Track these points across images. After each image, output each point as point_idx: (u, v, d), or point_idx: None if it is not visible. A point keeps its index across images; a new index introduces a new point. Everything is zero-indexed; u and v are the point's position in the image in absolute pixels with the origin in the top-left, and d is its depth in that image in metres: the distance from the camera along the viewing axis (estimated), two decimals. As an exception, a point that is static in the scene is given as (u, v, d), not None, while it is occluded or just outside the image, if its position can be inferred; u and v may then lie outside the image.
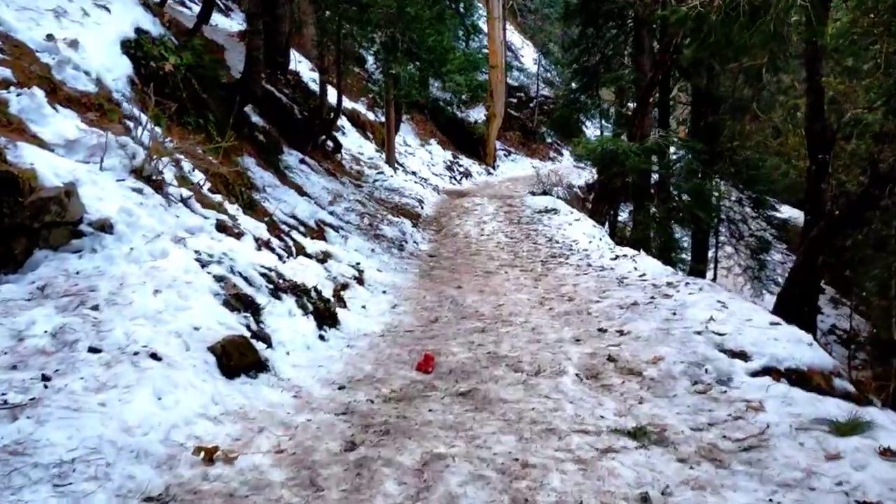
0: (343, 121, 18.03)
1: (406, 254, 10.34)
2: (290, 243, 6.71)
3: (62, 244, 4.13)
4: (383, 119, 18.80)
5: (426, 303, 6.90)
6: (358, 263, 8.00)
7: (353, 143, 17.46)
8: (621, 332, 5.46)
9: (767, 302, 21.22)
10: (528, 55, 37.83)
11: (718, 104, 18.88)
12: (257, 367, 4.07)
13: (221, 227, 5.43)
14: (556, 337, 5.45)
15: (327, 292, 5.76)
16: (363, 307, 6.37)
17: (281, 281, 5.09)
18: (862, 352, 20.92)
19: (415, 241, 11.36)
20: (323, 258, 6.96)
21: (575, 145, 20.42)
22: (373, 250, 9.10)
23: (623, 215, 21.26)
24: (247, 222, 6.15)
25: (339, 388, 4.24)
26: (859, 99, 13.54)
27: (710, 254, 19.88)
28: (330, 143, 15.76)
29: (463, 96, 29.27)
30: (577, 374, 4.52)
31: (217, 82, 8.45)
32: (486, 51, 28.26)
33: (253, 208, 6.98)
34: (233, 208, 6.34)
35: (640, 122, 17.39)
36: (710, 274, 18.46)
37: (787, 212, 22.47)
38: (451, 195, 19.29)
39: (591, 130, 31.22)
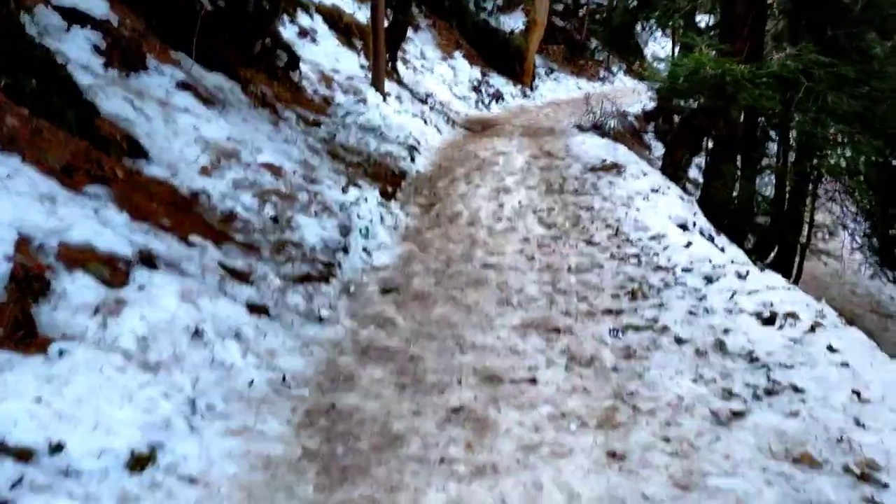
0: (315, 22, 11.95)
1: (326, 298, 4.64)
2: None
3: None
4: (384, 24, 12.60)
5: None
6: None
7: (326, 54, 11.42)
8: None
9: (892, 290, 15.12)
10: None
11: (841, 13, 12.32)
12: None
13: None
14: None
15: None
16: None
17: None
18: None
19: (365, 250, 5.63)
20: None
21: (646, 69, 14.06)
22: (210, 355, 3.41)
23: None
24: None
25: None
26: None
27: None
28: (283, 55, 9.84)
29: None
30: None
31: None
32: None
33: None
34: None
35: (747, 31, 11.04)
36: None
37: None
38: (470, 129, 13.31)
39: (653, 48, 24.23)
